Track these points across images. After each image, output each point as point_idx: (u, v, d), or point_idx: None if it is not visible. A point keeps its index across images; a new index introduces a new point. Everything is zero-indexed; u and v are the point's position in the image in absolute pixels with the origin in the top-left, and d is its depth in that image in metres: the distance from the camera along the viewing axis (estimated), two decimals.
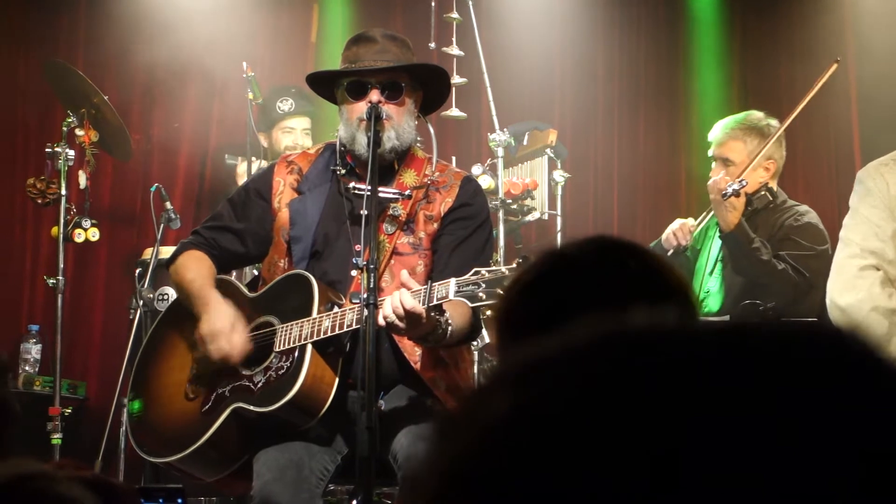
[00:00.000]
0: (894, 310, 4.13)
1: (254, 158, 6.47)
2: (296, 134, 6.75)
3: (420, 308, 3.57)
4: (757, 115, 5.67)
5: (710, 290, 5.62)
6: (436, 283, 3.60)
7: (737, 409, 0.65)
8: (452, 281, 3.56)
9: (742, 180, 5.34)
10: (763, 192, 5.54)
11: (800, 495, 0.62)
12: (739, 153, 5.52)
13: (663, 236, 5.75)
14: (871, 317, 4.14)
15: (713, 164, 5.65)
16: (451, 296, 3.55)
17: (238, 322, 3.97)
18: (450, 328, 3.72)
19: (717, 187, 5.40)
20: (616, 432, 0.65)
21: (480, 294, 3.52)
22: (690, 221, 5.69)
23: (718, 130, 5.63)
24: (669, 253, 5.66)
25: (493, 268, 3.57)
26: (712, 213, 5.58)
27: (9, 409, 1.96)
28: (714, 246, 5.61)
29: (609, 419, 0.65)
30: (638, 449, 0.64)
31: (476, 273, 3.54)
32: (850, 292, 4.21)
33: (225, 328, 3.94)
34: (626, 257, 1.75)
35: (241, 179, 6.45)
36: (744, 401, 0.65)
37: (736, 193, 5.28)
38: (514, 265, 3.51)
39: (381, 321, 3.61)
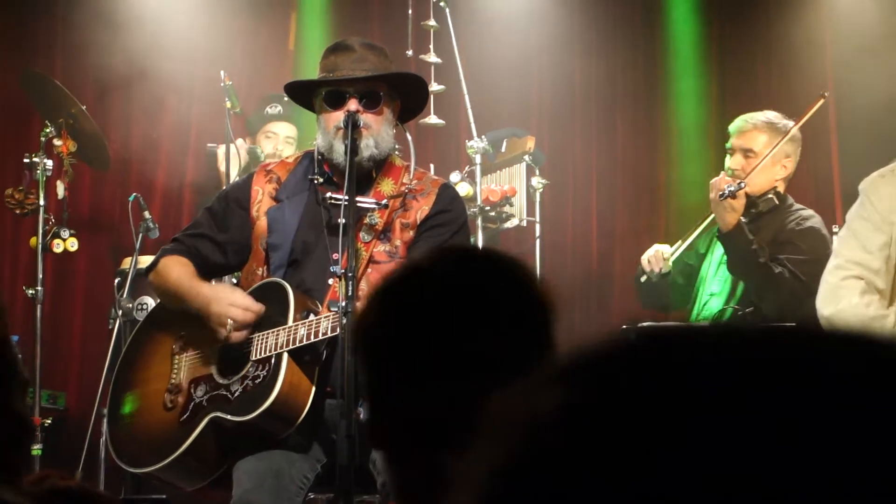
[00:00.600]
0: (873, 317, 4.25)
1: (235, 145, 6.46)
2: (278, 140, 6.76)
3: None
4: (777, 114, 5.69)
5: (713, 291, 5.64)
6: None
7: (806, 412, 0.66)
8: None
9: (741, 182, 5.36)
10: (770, 196, 5.55)
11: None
12: (762, 145, 5.54)
13: (642, 261, 5.79)
14: (851, 323, 4.26)
15: (729, 157, 5.63)
16: None
17: (237, 289, 4.02)
18: None
19: (716, 187, 5.42)
20: (672, 431, 0.65)
21: None
22: (665, 249, 5.72)
23: (741, 121, 5.63)
24: (643, 279, 5.71)
25: None
26: (711, 217, 5.60)
27: (26, 423, 1.97)
28: (719, 248, 5.62)
29: (664, 417, 0.66)
30: (693, 448, 0.64)
31: None
32: (832, 302, 4.37)
33: (229, 296, 3.99)
34: (484, 270, 1.74)
35: (222, 165, 6.46)
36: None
37: (732, 195, 5.30)
38: None
39: None
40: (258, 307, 3.94)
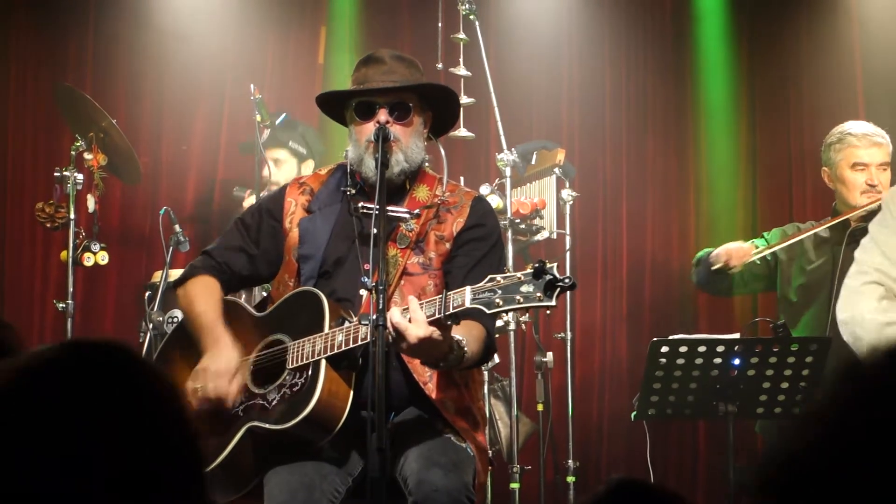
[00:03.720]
0: (888, 322, 4.30)
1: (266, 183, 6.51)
2: (287, 164, 6.80)
3: (425, 325, 3.53)
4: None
5: None
6: (451, 292, 3.58)
7: None
8: (468, 289, 3.54)
9: None
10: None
11: None
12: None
13: (714, 251, 5.80)
14: (865, 327, 4.32)
15: (856, 173, 5.63)
16: (467, 303, 3.52)
17: (242, 370, 3.98)
18: (465, 353, 3.70)
19: None
20: None
21: (497, 300, 3.49)
22: (749, 248, 5.74)
23: (870, 136, 5.62)
24: (714, 268, 5.70)
25: (508, 274, 3.56)
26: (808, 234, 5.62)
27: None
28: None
29: None
30: None
31: (491, 280, 3.52)
32: (849, 307, 4.45)
33: (230, 370, 3.94)
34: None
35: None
36: None
37: None
38: (530, 270, 3.49)
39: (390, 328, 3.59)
40: (230, 405, 3.94)
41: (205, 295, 4.14)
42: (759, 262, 5.82)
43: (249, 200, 6.58)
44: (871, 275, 4.42)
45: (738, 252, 5.73)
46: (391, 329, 3.54)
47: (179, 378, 4.15)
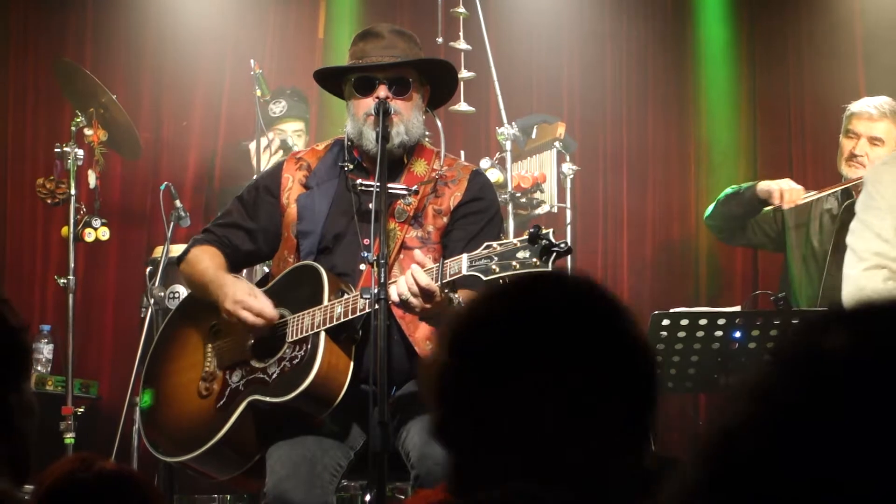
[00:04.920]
0: None
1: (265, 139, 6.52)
2: (286, 136, 6.77)
3: (434, 285, 3.57)
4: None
5: None
6: (448, 260, 3.61)
7: None
8: (464, 256, 3.57)
9: None
10: None
11: None
12: (888, 133, 5.49)
13: (765, 185, 5.66)
14: None
15: (848, 140, 5.56)
16: (463, 271, 3.55)
17: (258, 291, 3.98)
18: (461, 304, 3.72)
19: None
20: None
21: (493, 267, 3.51)
22: (803, 192, 5.60)
23: (868, 108, 5.53)
24: (761, 202, 5.62)
25: (504, 241, 3.57)
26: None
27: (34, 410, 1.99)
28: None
29: None
30: None
31: (488, 247, 3.54)
32: (856, 295, 4.34)
33: (249, 292, 3.95)
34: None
35: (255, 159, 6.50)
36: None
37: None
38: (525, 236, 3.50)
39: (395, 297, 3.62)
40: (271, 315, 3.93)
41: (207, 258, 4.16)
42: (770, 219, 5.76)
43: (254, 145, 6.58)
44: (870, 260, 4.38)
45: (790, 191, 5.58)
46: (403, 289, 3.57)
47: (198, 339, 4.16)
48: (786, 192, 5.56)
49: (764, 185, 5.64)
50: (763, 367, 0.71)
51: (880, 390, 0.66)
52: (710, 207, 5.89)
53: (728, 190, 5.84)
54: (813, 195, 5.60)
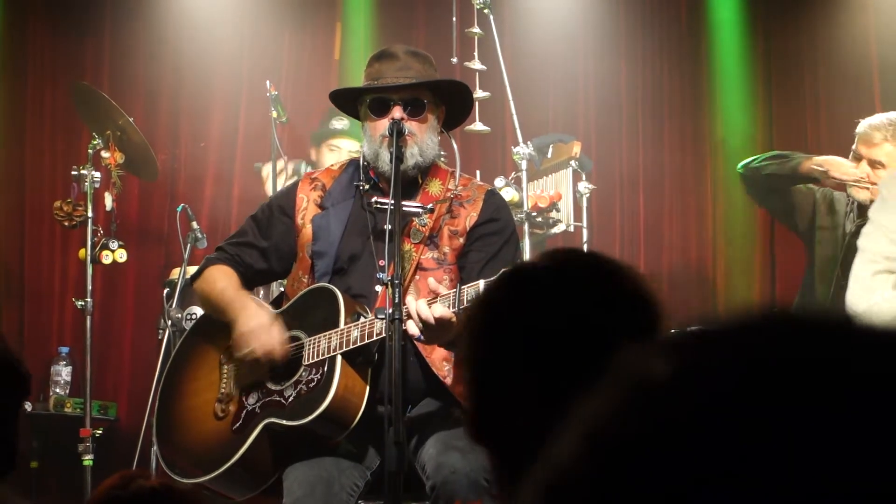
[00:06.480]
0: None
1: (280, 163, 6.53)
2: (341, 153, 6.77)
3: (449, 313, 3.57)
4: None
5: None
6: (465, 286, 3.61)
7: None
8: (481, 282, 3.56)
9: None
10: None
11: None
12: (888, 156, 5.46)
13: (824, 161, 5.64)
14: (883, 317, 4.23)
15: (853, 159, 5.52)
16: None
17: (276, 322, 3.99)
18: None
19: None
20: (783, 416, 0.65)
21: None
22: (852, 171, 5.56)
23: (869, 129, 5.48)
24: (808, 184, 5.61)
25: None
26: None
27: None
28: None
29: (773, 403, 0.66)
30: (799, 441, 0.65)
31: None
32: (864, 297, 4.35)
33: (265, 324, 3.95)
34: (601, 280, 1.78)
35: (267, 183, 6.51)
36: None
37: None
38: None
39: (414, 331, 3.62)
40: (281, 353, 3.94)
41: (223, 278, 4.15)
42: (805, 190, 5.75)
43: (267, 168, 6.60)
44: (880, 263, 4.38)
45: (844, 169, 5.53)
46: (414, 314, 3.58)
47: (214, 360, 4.17)
48: (835, 165, 5.56)
49: (820, 158, 5.65)
50: (592, 397, 0.72)
51: (702, 421, 0.67)
52: (754, 157, 5.88)
53: (776, 157, 5.83)
54: (861, 179, 5.55)
